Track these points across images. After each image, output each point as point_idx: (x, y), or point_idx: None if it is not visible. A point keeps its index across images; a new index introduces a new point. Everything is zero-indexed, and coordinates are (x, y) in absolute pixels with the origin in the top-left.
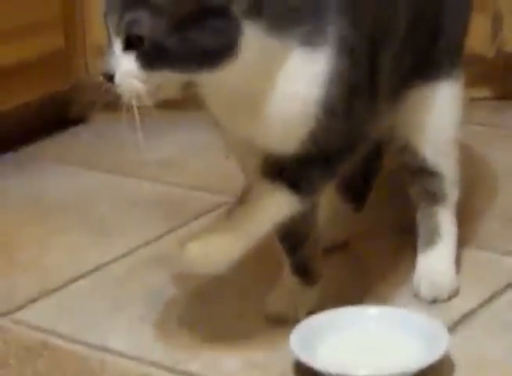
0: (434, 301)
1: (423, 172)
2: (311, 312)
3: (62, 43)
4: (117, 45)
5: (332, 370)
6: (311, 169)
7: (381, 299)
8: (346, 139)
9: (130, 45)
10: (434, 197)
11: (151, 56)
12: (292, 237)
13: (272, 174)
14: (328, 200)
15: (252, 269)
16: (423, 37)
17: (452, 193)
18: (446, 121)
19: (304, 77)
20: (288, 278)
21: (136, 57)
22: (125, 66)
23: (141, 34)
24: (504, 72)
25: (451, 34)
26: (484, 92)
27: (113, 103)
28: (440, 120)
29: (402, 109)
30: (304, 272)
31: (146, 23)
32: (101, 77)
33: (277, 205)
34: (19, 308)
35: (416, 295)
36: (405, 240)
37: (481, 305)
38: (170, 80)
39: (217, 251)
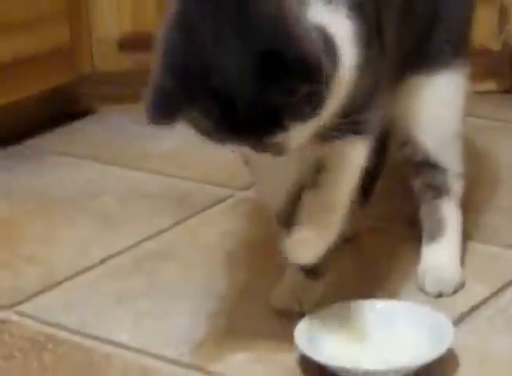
0: (440, 296)
1: (425, 166)
2: (317, 305)
3: (67, 36)
4: None
5: (337, 363)
6: (362, 112)
7: (387, 293)
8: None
9: None
10: (438, 190)
11: None
12: None
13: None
14: None
15: (257, 262)
16: (418, 24)
17: (456, 186)
18: (448, 113)
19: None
20: (293, 272)
21: None
22: None
23: None
24: (511, 65)
25: (450, 23)
26: (490, 85)
27: (118, 96)
28: (441, 112)
29: (402, 100)
30: (310, 266)
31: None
32: None
33: (354, 156)
34: (24, 301)
35: (422, 289)
36: (412, 233)
37: (486, 300)
38: None
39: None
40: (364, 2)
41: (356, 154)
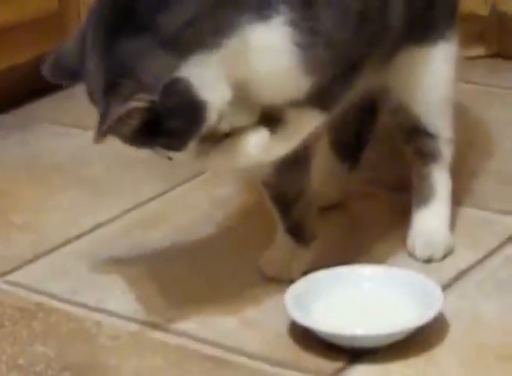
0: (429, 261)
1: (417, 132)
2: (306, 271)
3: (56, 4)
4: None
5: (326, 329)
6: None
7: (376, 258)
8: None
9: None
10: (428, 156)
11: None
12: (285, 197)
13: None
14: (323, 159)
15: (247, 228)
16: (419, 3)
17: (446, 151)
18: (440, 81)
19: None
20: (282, 238)
21: None
22: None
23: None
24: (499, 31)
25: None
26: (478, 50)
27: None
28: (434, 80)
29: (396, 69)
30: (298, 232)
31: None
32: None
33: (309, 123)
34: (14, 269)
35: (411, 254)
36: (401, 199)
37: (476, 264)
38: None
39: None
40: None
41: (308, 123)
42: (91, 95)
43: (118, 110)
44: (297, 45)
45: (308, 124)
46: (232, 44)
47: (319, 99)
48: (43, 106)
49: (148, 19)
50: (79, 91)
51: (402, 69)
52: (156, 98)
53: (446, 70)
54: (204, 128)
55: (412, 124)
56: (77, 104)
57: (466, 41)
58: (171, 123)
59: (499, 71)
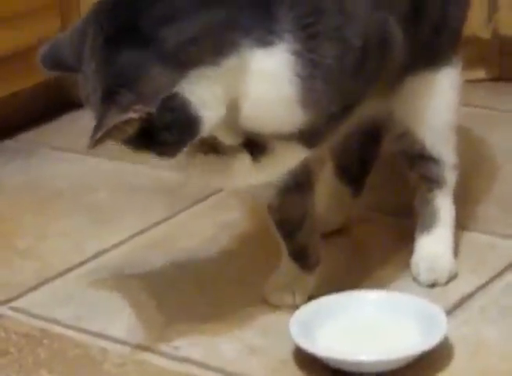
0: (433, 285)
1: (422, 158)
2: (310, 297)
3: (58, 29)
4: None
5: (331, 355)
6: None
7: (380, 283)
8: (344, 102)
9: None
10: (433, 182)
11: None
12: (288, 222)
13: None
14: (327, 184)
15: (251, 254)
16: (426, 29)
17: (451, 177)
18: (445, 106)
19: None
20: (286, 264)
21: None
22: None
23: None
24: (500, 54)
25: (453, 23)
26: (480, 73)
27: None
28: (439, 106)
29: (400, 95)
30: (302, 258)
31: None
32: None
33: (293, 159)
34: (19, 296)
35: (415, 279)
36: (404, 224)
37: (479, 289)
38: None
39: None
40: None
41: (291, 158)
42: (87, 99)
43: (115, 118)
44: (297, 76)
45: (292, 158)
46: (231, 64)
47: (306, 136)
48: (45, 131)
49: (150, 32)
50: (81, 117)
51: (406, 95)
52: (153, 110)
53: (451, 95)
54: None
55: (417, 149)
56: (79, 130)
57: (468, 63)
58: (165, 134)
59: (501, 94)
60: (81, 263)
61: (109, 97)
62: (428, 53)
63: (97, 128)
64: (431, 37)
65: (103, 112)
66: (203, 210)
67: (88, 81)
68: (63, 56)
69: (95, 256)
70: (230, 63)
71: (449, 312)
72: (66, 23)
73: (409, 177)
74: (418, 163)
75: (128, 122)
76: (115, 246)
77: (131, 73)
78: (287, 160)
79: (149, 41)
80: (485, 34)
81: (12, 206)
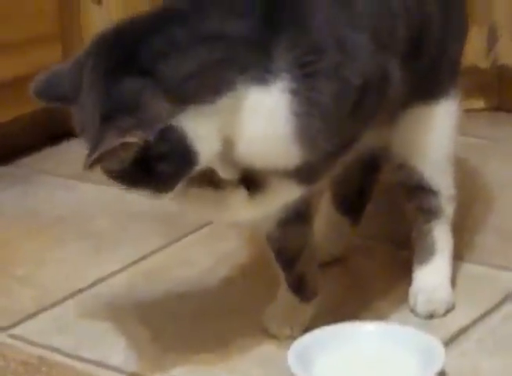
0: (431, 317)
1: (420, 189)
2: (308, 327)
3: (59, 57)
4: None
5: None
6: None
7: (378, 315)
8: (343, 141)
9: None
10: (431, 214)
11: None
12: (286, 253)
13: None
14: (325, 213)
15: (249, 283)
16: (424, 65)
17: (448, 208)
18: (444, 138)
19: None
20: (284, 294)
21: None
22: None
23: None
24: (499, 84)
25: (451, 57)
26: (479, 103)
27: None
28: (437, 138)
29: (398, 127)
30: (300, 289)
31: None
32: None
33: (287, 197)
34: (17, 323)
35: (413, 311)
36: (403, 253)
37: (477, 321)
38: None
39: None
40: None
41: (285, 196)
42: (82, 130)
43: (114, 140)
44: (293, 114)
45: (288, 195)
46: (227, 102)
47: (303, 173)
48: (45, 158)
49: (151, 64)
50: (81, 144)
51: (404, 127)
52: (150, 138)
53: (449, 127)
54: (191, 174)
55: (415, 181)
56: (78, 157)
57: (467, 93)
58: (160, 166)
59: (499, 124)
60: (80, 291)
61: (109, 120)
62: (426, 87)
63: (94, 148)
64: (429, 72)
65: (102, 133)
66: (201, 239)
67: (85, 111)
68: (58, 88)
69: (94, 284)
70: (226, 100)
71: (447, 343)
72: (67, 50)
73: (406, 208)
74: (416, 194)
75: (124, 147)
76: (113, 274)
77: (131, 100)
78: (283, 196)
79: (149, 73)
80: (485, 64)
81: (11, 232)
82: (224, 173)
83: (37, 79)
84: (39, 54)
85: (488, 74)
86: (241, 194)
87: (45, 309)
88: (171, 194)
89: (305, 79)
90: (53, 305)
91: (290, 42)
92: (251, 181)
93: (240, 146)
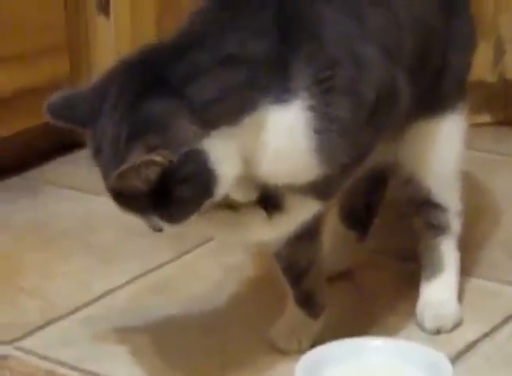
0: (438, 332)
1: (427, 205)
2: (315, 342)
3: (67, 68)
4: None
5: None
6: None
7: (385, 330)
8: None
9: None
10: (438, 229)
11: None
12: (295, 268)
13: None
14: (331, 228)
15: (256, 297)
16: (429, 75)
17: (455, 223)
18: (451, 153)
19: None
20: (292, 310)
21: None
22: None
23: None
24: (506, 98)
25: (457, 69)
26: (485, 118)
27: None
28: (445, 152)
29: (406, 142)
30: (308, 304)
31: None
32: None
33: (307, 213)
34: (24, 336)
35: (420, 326)
36: (409, 269)
37: (484, 336)
38: None
39: None
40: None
41: (305, 212)
42: (97, 153)
43: (140, 156)
44: (313, 130)
45: (305, 213)
46: (250, 123)
47: (321, 188)
48: (52, 169)
49: (179, 87)
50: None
51: (412, 142)
52: (175, 159)
53: (456, 142)
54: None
55: (423, 196)
56: (86, 168)
57: (473, 108)
58: (180, 190)
59: (506, 139)
60: (86, 304)
61: (137, 137)
62: (433, 100)
63: (120, 162)
64: (435, 86)
65: (129, 149)
66: (208, 252)
67: (103, 134)
68: (73, 111)
69: (100, 297)
70: (249, 121)
71: (454, 359)
72: (74, 62)
73: (413, 223)
74: (423, 209)
75: (149, 164)
76: (120, 287)
77: (160, 121)
78: (302, 213)
79: (178, 96)
80: (491, 78)
81: (18, 244)
82: (243, 195)
83: (52, 100)
84: (46, 66)
85: (495, 89)
86: (260, 215)
87: (51, 322)
88: (183, 224)
89: (323, 95)
90: (60, 318)
91: (306, 60)
92: (269, 202)
93: (262, 164)
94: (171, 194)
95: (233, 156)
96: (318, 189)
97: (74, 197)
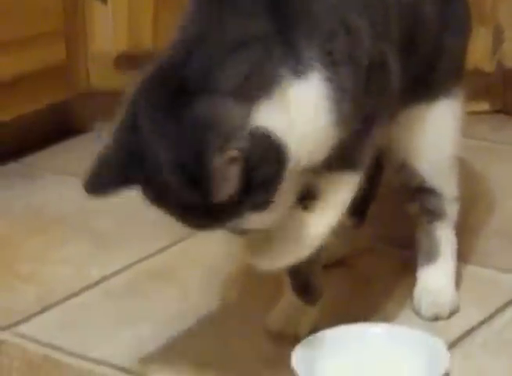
0: (435, 319)
1: (422, 191)
2: (312, 330)
3: (64, 54)
4: None
5: None
6: (357, 147)
7: (382, 317)
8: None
9: None
10: (434, 215)
11: None
12: None
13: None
14: None
15: (254, 284)
16: (423, 60)
17: (452, 210)
18: (445, 139)
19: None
20: (289, 296)
21: None
22: None
23: None
24: (504, 86)
25: (452, 54)
26: (483, 105)
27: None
28: (439, 138)
29: (400, 127)
30: (305, 292)
31: None
32: None
33: (343, 191)
34: (21, 321)
35: (417, 313)
36: (406, 256)
37: (481, 323)
38: None
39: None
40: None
41: (345, 189)
42: (160, 193)
43: (217, 161)
44: (331, 100)
45: (345, 191)
46: (279, 96)
47: (347, 156)
48: (50, 155)
49: (201, 83)
50: (85, 142)
51: (406, 127)
52: (243, 145)
53: (451, 127)
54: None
55: (417, 182)
56: (84, 154)
57: (471, 96)
58: (259, 172)
59: (503, 127)
60: (84, 289)
61: (201, 147)
62: (425, 85)
63: (207, 179)
64: (428, 70)
65: (204, 163)
66: (206, 238)
67: (155, 161)
68: (111, 176)
69: (98, 282)
70: (278, 95)
71: (451, 345)
72: (71, 48)
73: (409, 209)
74: (418, 195)
75: (231, 164)
76: (117, 272)
77: (204, 122)
78: (342, 195)
79: (203, 91)
80: (490, 67)
81: (15, 230)
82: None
83: (87, 178)
84: (43, 52)
85: (493, 77)
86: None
87: (48, 308)
88: (272, 209)
89: (332, 65)
90: (57, 303)
91: (307, 33)
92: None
93: (293, 142)
94: (256, 179)
95: (285, 125)
96: (345, 159)
97: (72, 183)
